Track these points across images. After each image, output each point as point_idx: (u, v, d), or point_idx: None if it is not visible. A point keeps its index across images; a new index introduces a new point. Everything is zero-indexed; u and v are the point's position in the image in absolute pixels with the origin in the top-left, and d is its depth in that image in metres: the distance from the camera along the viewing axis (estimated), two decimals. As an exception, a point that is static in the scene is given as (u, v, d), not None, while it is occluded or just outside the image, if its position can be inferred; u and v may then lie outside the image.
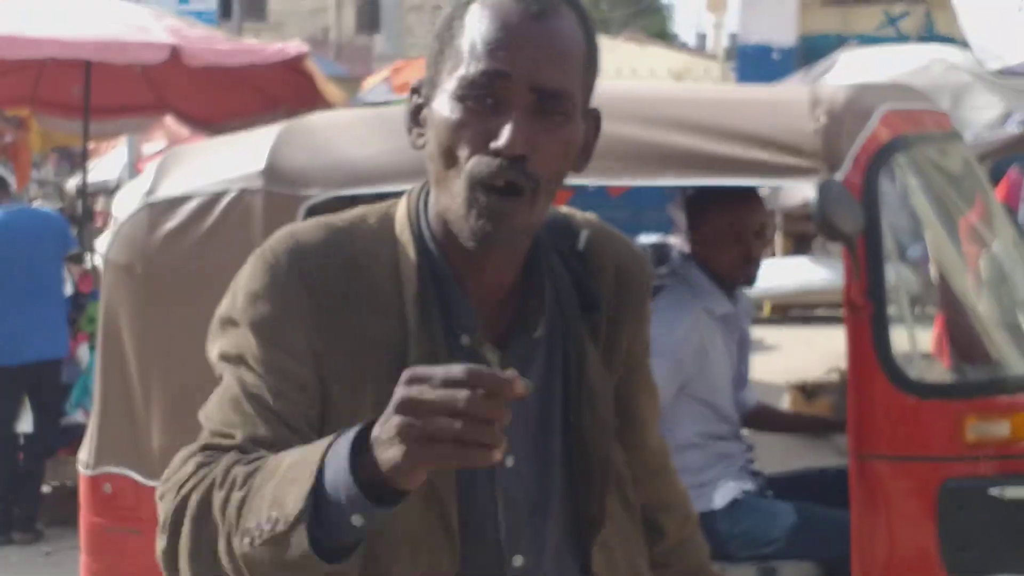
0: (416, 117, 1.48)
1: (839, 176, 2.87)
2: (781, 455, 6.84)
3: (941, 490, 2.93)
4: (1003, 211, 3.78)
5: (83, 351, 6.69)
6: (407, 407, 1.12)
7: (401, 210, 1.51)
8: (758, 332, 11.63)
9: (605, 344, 1.58)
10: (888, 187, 3.01)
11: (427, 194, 1.49)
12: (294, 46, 7.38)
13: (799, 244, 13.28)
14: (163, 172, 3.39)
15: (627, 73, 16.15)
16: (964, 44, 7.59)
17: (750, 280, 3.51)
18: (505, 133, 1.34)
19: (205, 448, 1.38)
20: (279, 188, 3.21)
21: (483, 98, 1.36)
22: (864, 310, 2.92)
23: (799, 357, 8.39)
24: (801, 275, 11.38)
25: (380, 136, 3.31)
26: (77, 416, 6.78)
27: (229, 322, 1.46)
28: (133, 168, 13.82)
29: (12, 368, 6.35)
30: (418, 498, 1.35)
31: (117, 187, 16.54)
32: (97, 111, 7.90)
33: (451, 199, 1.39)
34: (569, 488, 1.55)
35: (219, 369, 1.46)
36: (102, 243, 3.49)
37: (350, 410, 1.40)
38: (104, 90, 7.71)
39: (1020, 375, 3.05)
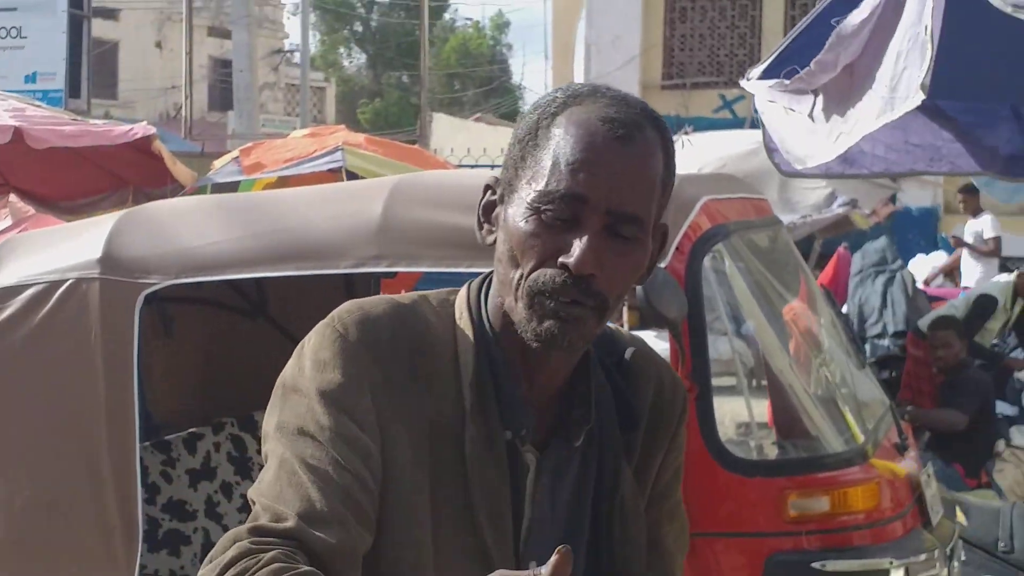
0: (488, 214, 1.49)
1: (663, 264, 2.98)
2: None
3: (767, 564, 3.04)
4: (820, 291, 3.97)
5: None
6: None
7: (461, 298, 1.50)
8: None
9: (638, 465, 1.57)
10: (710, 274, 3.14)
11: (487, 284, 1.50)
12: (141, 128, 7.30)
13: (644, 318, 13.57)
14: (-2, 261, 3.35)
15: (476, 152, 16.44)
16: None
17: None
18: (576, 251, 1.34)
19: (254, 531, 1.32)
20: (116, 276, 3.20)
21: (559, 215, 1.36)
22: (690, 392, 3.03)
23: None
24: (656, 348, 11.60)
25: (219, 224, 3.33)
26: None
27: (293, 390, 1.42)
28: (-24, 246, 13.45)
29: None
30: None
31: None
32: (-63, 190, 7.70)
33: (514, 302, 1.40)
34: None
35: (272, 443, 1.41)
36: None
37: (411, 483, 1.39)
38: (-56, 169, 7.52)
39: (838, 452, 3.19)
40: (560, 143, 1.38)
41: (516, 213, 1.39)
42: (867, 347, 7.72)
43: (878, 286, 7.70)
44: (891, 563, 3.01)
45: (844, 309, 8.04)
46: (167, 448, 4.01)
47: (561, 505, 1.50)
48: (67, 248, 3.35)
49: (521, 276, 1.39)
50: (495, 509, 1.42)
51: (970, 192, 9.40)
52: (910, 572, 3.06)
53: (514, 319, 1.41)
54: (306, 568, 1.26)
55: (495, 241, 1.45)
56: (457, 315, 1.49)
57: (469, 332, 1.47)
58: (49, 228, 4.25)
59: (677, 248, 3.03)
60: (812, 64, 3.07)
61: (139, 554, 3.15)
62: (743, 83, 3.51)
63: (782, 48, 3.42)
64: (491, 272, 1.49)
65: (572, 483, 1.50)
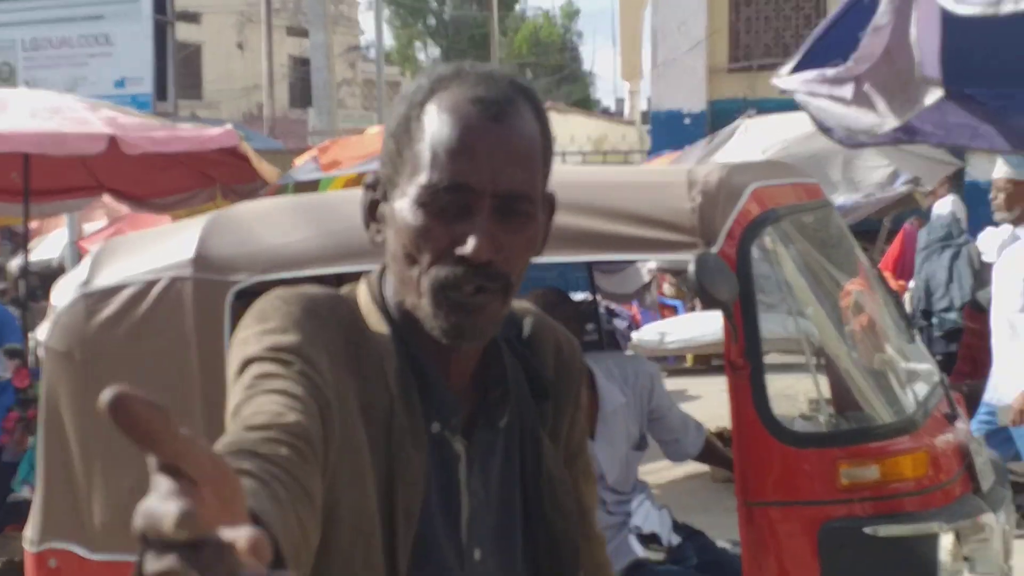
0: (373, 213, 1.46)
1: (714, 249, 3.15)
2: (703, 501, 7.13)
3: (821, 531, 3.16)
4: (872, 269, 4.09)
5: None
6: None
7: (363, 294, 1.47)
8: (682, 382, 11.96)
9: (550, 432, 1.56)
10: (760, 257, 3.29)
11: (383, 280, 1.48)
12: (228, 135, 7.59)
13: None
14: (98, 263, 3.62)
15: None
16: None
17: None
18: (471, 240, 1.32)
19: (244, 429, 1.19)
20: (207, 275, 3.45)
21: (446, 204, 1.33)
22: (744, 370, 3.19)
23: (723, 404, 8.66)
24: (718, 327, 11.61)
25: (299, 224, 3.56)
26: (24, 493, 6.88)
27: (243, 365, 1.31)
28: (75, 247, 13.93)
29: None
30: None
31: (59, 266, 16.60)
32: (37, 194, 8.06)
33: (417, 299, 1.37)
34: None
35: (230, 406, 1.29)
36: (42, 332, 3.68)
37: (356, 446, 1.33)
38: (43, 175, 7.87)
39: (887, 423, 3.32)
40: (434, 133, 1.34)
41: (402, 209, 1.36)
42: (934, 321, 7.76)
43: (944, 260, 7.72)
44: (940, 527, 3.12)
45: (911, 284, 8.07)
46: (258, 434, 4.26)
47: (493, 488, 1.48)
48: (161, 249, 3.60)
49: (420, 274, 1.36)
50: (413, 503, 1.37)
51: None
52: (960, 537, 3.18)
53: (420, 316, 1.38)
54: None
55: (383, 240, 1.43)
56: (364, 311, 1.45)
57: (384, 327, 1.43)
58: (143, 231, 4.52)
59: (728, 234, 3.18)
60: (852, 60, 3.21)
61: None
62: (775, 81, 3.67)
63: (808, 48, 3.57)
64: (382, 267, 1.48)
65: (500, 464, 1.49)
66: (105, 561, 3.53)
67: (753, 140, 8.26)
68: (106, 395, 0.73)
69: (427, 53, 47.16)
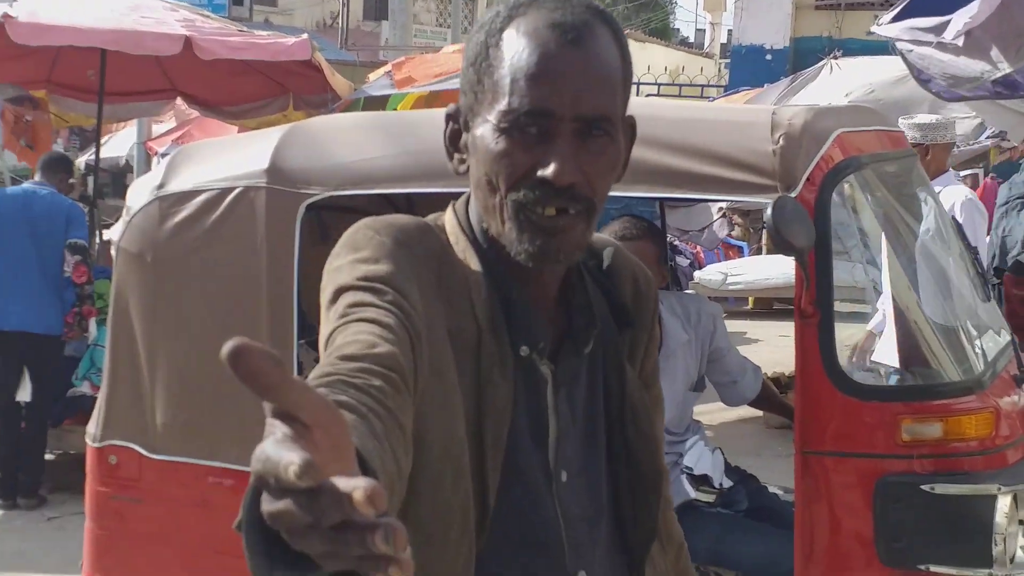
0: (456, 143, 1.47)
1: (793, 194, 3.09)
2: (755, 446, 7.13)
3: (878, 484, 3.13)
4: (950, 223, 4.01)
5: (91, 326, 6.91)
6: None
7: (450, 222, 1.49)
8: (742, 325, 11.92)
9: (629, 361, 1.58)
10: (840, 205, 3.23)
11: (469, 207, 1.49)
12: (303, 46, 7.57)
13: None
14: (173, 168, 3.64)
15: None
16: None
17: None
18: (553, 164, 1.32)
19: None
20: (281, 186, 3.46)
21: (527, 129, 1.34)
22: (813, 318, 3.15)
23: (781, 349, 8.58)
24: (784, 270, 11.56)
25: (375, 140, 3.55)
26: (83, 388, 7.02)
27: (336, 293, 1.32)
28: (143, 147, 14.06)
29: None
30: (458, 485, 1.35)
31: (127, 164, 16.79)
32: (111, 95, 8.13)
33: (501, 225, 1.38)
34: (615, 504, 1.54)
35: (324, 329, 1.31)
36: (114, 232, 3.72)
37: (433, 388, 1.34)
38: (118, 75, 7.93)
39: (953, 381, 3.28)
40: (513, 59, 1.35)
41: (484, 136, 1.37)
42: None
43: (1023, 218, 7.56)
44: (999, 489, 3.08)
45: (988, 240, 7.93)
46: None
47: (579, 412, 1.50)
48: (237, 158, 3.62)
49: (502, 198, 1.37)
50: (501, 427, 1.40)
51: None
52: (1018, 500, 3.15)
53: (504, 243, 1.39)
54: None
55: (467, 170, 1.44)
56: (452, 239, 1.47)
57: (471, 253, 1.45)
58: (219, 138, 4.54)
59: (808, 179, 3.11)
60: (970, 15, 3.13)
61: (294, 440, 3.44)
62: (874, 29, 3.59)
63: None
64: (468, 195, 1.49)
65: (585, 390, 1.51)
66: (165, 461, 3.60)
67: (837, 82, 8.11)
68: (227, 347, 0.76)
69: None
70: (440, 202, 4.51)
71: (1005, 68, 3.84)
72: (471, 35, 1.44)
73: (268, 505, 0.77)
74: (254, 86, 8.60)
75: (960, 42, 3.38)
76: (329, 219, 4.41)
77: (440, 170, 3.45)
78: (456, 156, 1.47)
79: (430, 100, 8.79)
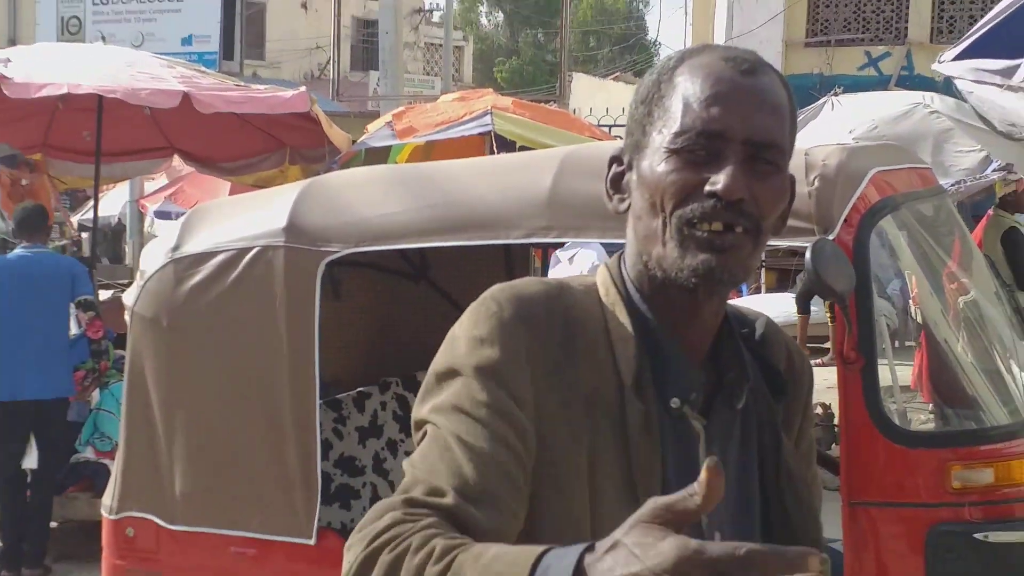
0: (617, 184, 1.48)
1: (831, 236, 3.01)
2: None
3: (929, 534, 3.03)
4: (984, 261, 3.94)
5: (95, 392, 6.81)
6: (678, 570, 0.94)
7: (602, 275, 1.48)
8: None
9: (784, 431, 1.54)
10: (878, 246, 3.14)
11: (622, 261, 1.48)
12: (302, 98, 7.52)
13: (781, 279, 13.52)
14: (188, 229, 3.55)
15: (615, 112, 16.39)
16: (944, 86, 7.82)
17: None
18: (723, 177, 1.33)
19: (407, 503, 1.27)
20: (300, 244, 3.37)
21: (698, 151, 1.35)
22: (855, 364, 3.06)
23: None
24: (785, 309, 11.56)
25: (394, 195, 3.47)
26: (87, 453, 6.89)
27: (448, 374, 1.37)
28: (135, 204, 13.99)
29: (9, 404, 6.47)
30: None
31: (119, 223, 16.70)
32: (107, 154, 8.05)
33: (663, 247, 1.37)
34: None
35: (427, 424, 1.36)
36: (128, 296, 3.62)
37: (567, 458, 1.35)
38: (114, 133, 7.87)
39: (1002, 424, 3.19)
40: (687, 87, 1.38)
41: (652, 163, 1.38)
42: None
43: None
44: (1055, 536, 3.00)
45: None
46: (338, 406, 4.20)
47: (731, 472, 1.43)
48: (253, 217, 3.53)
49: (667, 217, 1.36)
50: (652, 485, 1.36)
51: None
52: (1073, 546, 3.05)
53: (665, 266, 1.37)
54: (460, 536, 1.21)
55: (628, 208, 1.44)
56: (603, 292, 1.46)
57: (620, 305, 1.44)
58: (235, 197, 4.46)
59: (846, 220, 3.04)
60: None
61: (318, 508, 3.33)
62: (936, 67, 3.55)
63: (982, 31, 3.45)
64: (623, 249, 1.48)
65: (737, 449, 1.47)
66: (184, 531, 3.49)
67: (840, 119, 8.07)
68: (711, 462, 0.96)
69: (490, 18, 46.99)
70: (454, 254, 4.43)
71: None
72: (643, 79, 1.48)
73: None
74: (251, 141, 8.54)
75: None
76: (341, 275, 4.33)
77: (458, 223, 3.38)
78: (616, 196, 1.48)
79: (427, 150, 8.74)
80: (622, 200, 1.46)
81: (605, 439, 1.36)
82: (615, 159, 1.48)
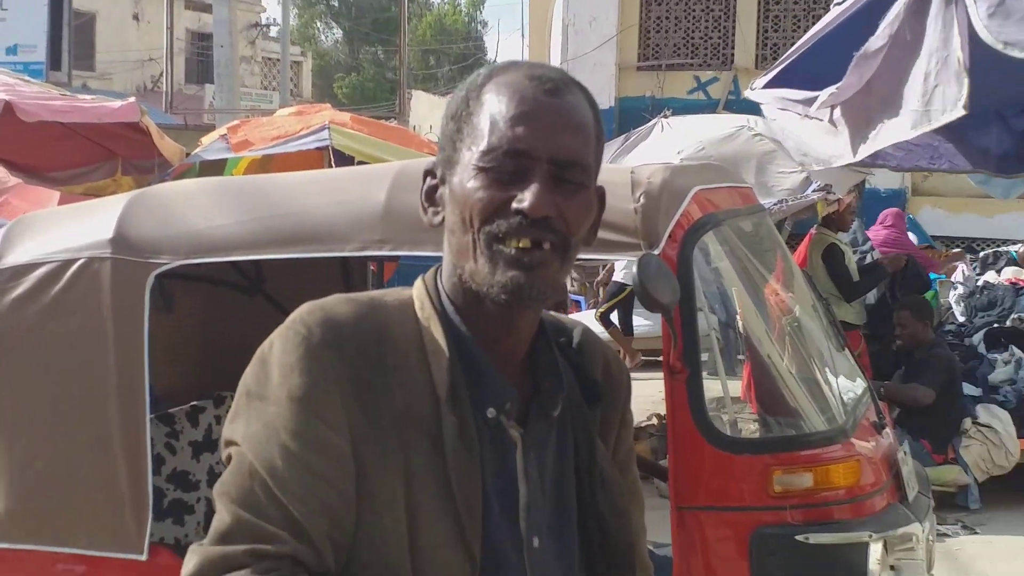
0: (431, 197, 1.49)
1: (657, 251, 3.10)
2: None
3: (753, 537, 3.15)
4: (802, 275, 4.11)
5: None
6: None
7: (418, 289, 1.50)
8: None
9: (600, 438, 1.57)
10: (701, 261, 3.26)
11: (439, 274, 1.50)
12: (130, 109, 7.35)
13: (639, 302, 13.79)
14: (9, 241, 3.43)
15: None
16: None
17: None
18: (528, 195, 1.35)
19: (252, 555, 1.31)
20: (128, 256, 3.30)
21: (504, 169, 1.38)
22: (681, 374, 3.16)
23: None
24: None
25: (225, 207, 3.43)
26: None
27: (259, 398, 1.39)
28: (-46, 218, 13.41)
29: None
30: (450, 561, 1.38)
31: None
32: (-76, 165, 7.72)
33: (474, 262, 1.40)
34: (589, 573, 1.53)
35: (242, 449, 1.38)
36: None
37: (381, 479, 1.37)
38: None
39: (820, 431, 3.32)
40: (493, 105, 1.41)
41: (462, 180, 1.41)
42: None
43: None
44: (870, 536, 3.13)
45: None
46: (171, 421, 4.12)
47: (548, 478, 1.49)
48: (78, 228, 3.43)
49: (475, 233, 1.39)
50: (473, 496, 1.40)
51: None
52: (888, 545, 3.20)
53: (476, 281, 1.40)
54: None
55: (442, 221, 1.47)
56: (418, 307, 1.47)
57: (435, 319, 1.45)
58: (60, 207, 4.33)
59: (670, 236, 3.14)
60: (836, 88, 3.25)
61: (149, 523, 3.26)
62: (748, 93, 3.70)
63: (788, 61, 3.61)
64: (439, 264, 1.51)
65: (553, 456, 1.50)
66: (6, 549, 3.37)
67: (669, 140, 8.30)
68: None
69: (328, 35, 46.70)
70: (290, 267, 4.37)
71: (848, 158, 4.02)
72: (454, 95, 1.50)
73: None
74: (79, 151, 8.29)
75: (824, 116, 3.51)
76: (172, 287, 4.25)
77: (291, 236, 3.36)
78: (431, 209, 1.50)
79: (264, 164, 8.63)
80: (436, 213, 1.49)
81: (421, 455, 1.38)
82: (429, 172, 1.51)
